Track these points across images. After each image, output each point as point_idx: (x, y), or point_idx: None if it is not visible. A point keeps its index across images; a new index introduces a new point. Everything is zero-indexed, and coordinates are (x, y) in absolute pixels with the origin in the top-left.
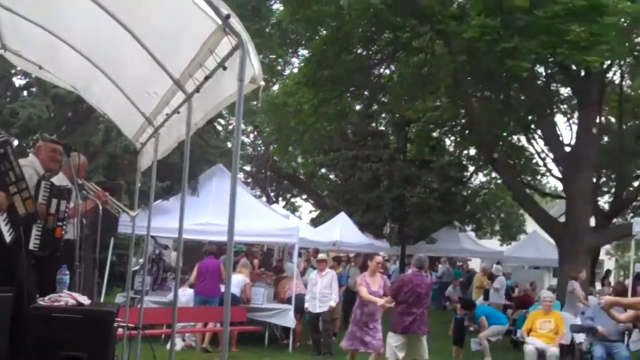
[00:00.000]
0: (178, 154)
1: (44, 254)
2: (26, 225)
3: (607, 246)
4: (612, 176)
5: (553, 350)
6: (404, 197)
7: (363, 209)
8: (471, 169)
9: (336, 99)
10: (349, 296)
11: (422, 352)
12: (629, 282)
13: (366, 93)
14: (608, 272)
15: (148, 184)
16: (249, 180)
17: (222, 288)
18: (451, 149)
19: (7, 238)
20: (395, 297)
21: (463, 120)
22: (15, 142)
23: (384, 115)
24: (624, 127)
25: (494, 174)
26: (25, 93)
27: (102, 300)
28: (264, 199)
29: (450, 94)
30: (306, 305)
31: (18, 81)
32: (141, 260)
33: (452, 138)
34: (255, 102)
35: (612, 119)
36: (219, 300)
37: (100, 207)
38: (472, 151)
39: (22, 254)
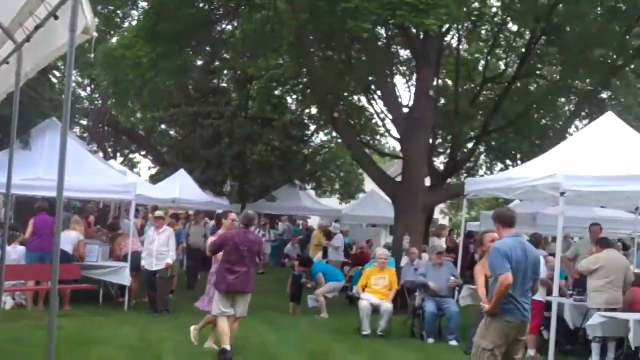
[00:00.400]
0: (9, 106)
1: None
2: None
3: (442, 205)
4: (448, 138)
5: (387, 305)
6: (245, 154)
7: (203, 166)
8: (312, 128)
9: (176, 54)
10: (192, 254)
11: (243, 310)
12: (460, 240)
13: (208, 49)
14: (452, 230)
15: None
16: (86, 135)
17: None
18: (293, 107)
19: None
20: (214, 253)
21: (305, 79)
22: None
23: (226, 71)
24: (460, 90)
25: (334, 134)
26: None
27: None
28: (101, 154)
29: (293, 52)
30: (143, 263)
31: None
32: None
33: (294, 97)
34: (92, 55)
35: (449, 82)
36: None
37: None
38: (314, 110)
39: None
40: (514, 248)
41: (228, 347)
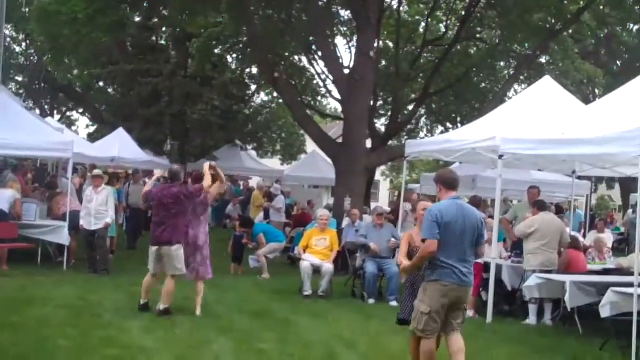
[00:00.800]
0: None
1: None
2: None
3: (383, 167)
4: (389, 100)
5: (328, 266)
6: (185, 113)
7: (142, 125)
8: (253, 87)
9: (113, 9)
10: (132, 213)
11: (173, 268)
12: (401, 201)
13: (145, 4)
14: (399, 195)
15: None
16: (22, 91)
17: None
18: (233, 66)
19: None
20: (147, 209)
21: (245, 38)
22: None
23: (164, 29)
24: (401, 52)
25: (275, 94)
26: None
27: None
28: (37, 111)
29: (232, 10)
30: (81, 222)
31: None
32: None
33: (234, 55)
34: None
35: (390, 44)
36: None
37: None
38: (254, 70)
39: None
40: (447, 211)
41: (142, 301)
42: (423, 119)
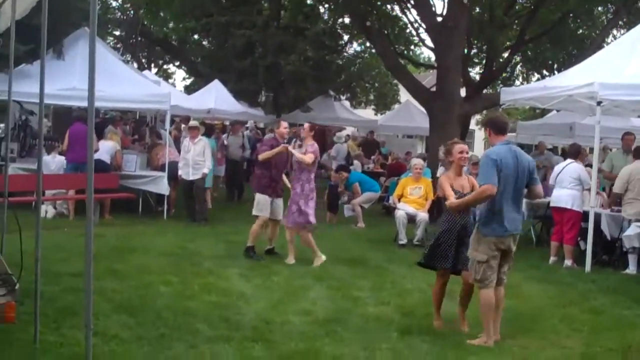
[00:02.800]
0: (39, 15)
1: None
2: None
3: (478, 116)
4: (483, 47)
5: (422, 215)
6: (279, 65)
7: (237, 76)
8: (346, 37)
9: None
10: (229, 165)
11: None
12: None
13: None
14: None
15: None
16: (119, 45)
17: (96, 155)
18: (326, 16)
19: None
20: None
21: None
22: None
23: None
24: None
25: (368, 43)
26: None
27: None
28: (135, 65)
29: None
30: (180, 172)
31: None
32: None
33: (326, 5)
34: None
35: None
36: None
37: None
38: (347, 20)
39: None
40: (505, 156)
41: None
42: (518, 67)
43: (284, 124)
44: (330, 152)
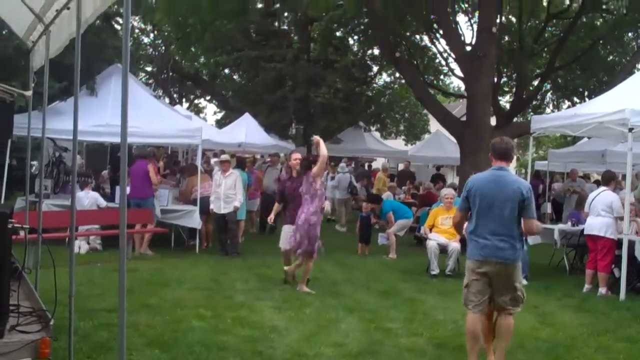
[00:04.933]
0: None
1: None
2: None
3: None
4: (513, 76)
5: (454, 245)
6: (309, 97)
7: (268, 110)
8: (375, 69)
9: None
10: (264, 198)
11: None
12: (527, 179)
13: None
14: (526, 173)
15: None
16: (151, 81)
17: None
18: (355, 48)
19: None
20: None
21: (366, 20)
22: None
23: (286, 14)
24: (524, 26)
25: (397, 74)
26: None
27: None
28: (166, 100)
29: None
30: (211, 206)
31: None
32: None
33: (356, 37)
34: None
35: (513, 19)
36: (152, 201)
37: None
38: (376, 51)
39: None
40: (480, 182)
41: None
42: (549, 94)
43: (295, 155)
44: (363, 184)
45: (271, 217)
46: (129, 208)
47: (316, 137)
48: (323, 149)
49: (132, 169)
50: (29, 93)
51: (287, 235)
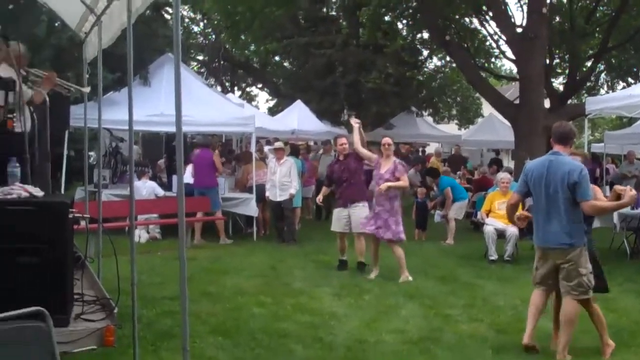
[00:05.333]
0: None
1: None
2: None
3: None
4: (565, 57)
5: (512, 230)
6: (360, 82)
7: (319, 96)
8: (425, 53)
9: None
10: (319, 185)
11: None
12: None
13: None
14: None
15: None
16: (203, 70)
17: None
18: (404, 32)
19: None
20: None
21: (414, 3)
22: None
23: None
24: (575, 6)
25: (448, 58)
26: None
27: None
28: (219, 88)
29: None
30: (267, 193)
31: None
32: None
33: (405, 21)
34: None
35: None
36: (216, 190)
37: (47, 100)
38: (425, 35)
39: None
40: (535, 167)
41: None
42: (603, 75)
43: (341, 140)
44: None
45: (319, 198)
46: (194, 197)
47: (354, 121)
48: (355, 136)
49: (196, 158)
50: (87, 89)
51: (340, 217)
